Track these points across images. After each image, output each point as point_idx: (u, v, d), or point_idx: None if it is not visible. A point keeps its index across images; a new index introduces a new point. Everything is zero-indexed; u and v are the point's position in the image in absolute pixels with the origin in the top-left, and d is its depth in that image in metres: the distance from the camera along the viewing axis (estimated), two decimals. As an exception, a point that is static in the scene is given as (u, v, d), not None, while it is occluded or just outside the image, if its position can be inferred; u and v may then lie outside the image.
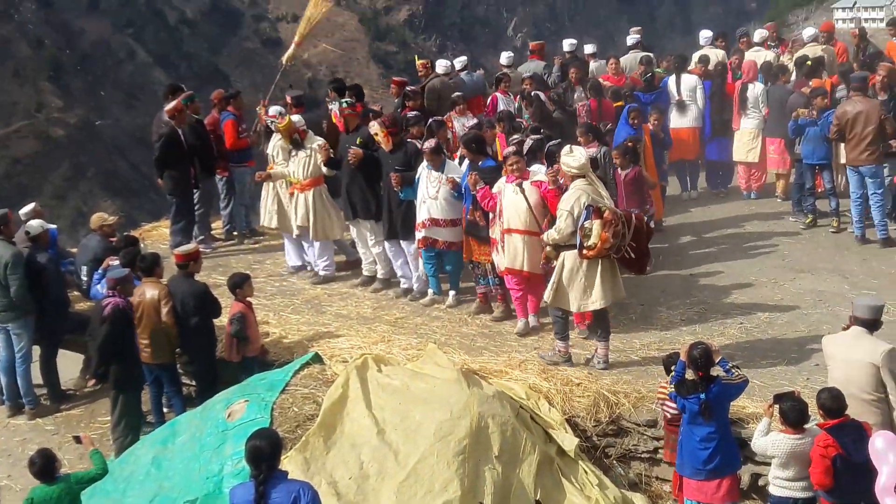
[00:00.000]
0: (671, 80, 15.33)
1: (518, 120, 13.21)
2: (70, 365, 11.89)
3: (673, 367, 7.81)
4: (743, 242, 13.41)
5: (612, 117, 14.21)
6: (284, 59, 15.37)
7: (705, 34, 16.85)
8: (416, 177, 11.40)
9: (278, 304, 11.87)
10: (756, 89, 14.76)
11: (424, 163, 11.29)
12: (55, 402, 11.46)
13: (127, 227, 15.69)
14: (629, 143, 12.45)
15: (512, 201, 10.29)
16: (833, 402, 7.13)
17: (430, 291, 11.83)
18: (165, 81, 30.58)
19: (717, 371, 7.64)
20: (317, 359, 9.66)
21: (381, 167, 11.79)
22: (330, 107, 13.25)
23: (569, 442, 8.57)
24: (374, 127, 11.68)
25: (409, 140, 11.89)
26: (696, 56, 16.15)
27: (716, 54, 16.02)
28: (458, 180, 11.08)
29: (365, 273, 12.47)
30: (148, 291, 9.94)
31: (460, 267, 11.63)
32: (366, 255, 12.41)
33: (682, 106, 15.20)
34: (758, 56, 15.71)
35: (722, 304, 11.33)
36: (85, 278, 11.48)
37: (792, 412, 7.30)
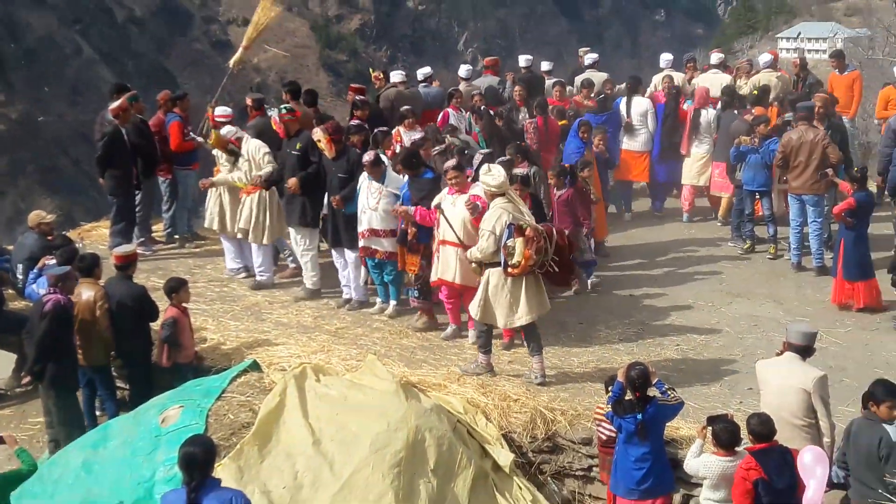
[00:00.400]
0: (622, 102, 15.51)
1: (466, 136, 13.27)
2: (2, 364, 11.64)
3: (610, 388, 7.88)
4: (682, 265, 13.58)
5: (557, 136, 14.38)
6: (232, 62, 15.30)
7: (666, 57, 17.08)
8: (357, 187, 11.39)
9: (217, 310, 11.76)
10: (709, 115, 15.01)
11: (365, 174, 11.29)
12: (-15, 402, 11.22)
13: (66, 226, 15.44)
14: (566, 165, 12.54)
15: (449, 214, 10.38)
16: (762, 426, 7.23)
17: (377, 300, 11.82)
18: (111, 79, 30.22)
19: (653, 392, 7.71)
20: (255, 366, 9.57)
21: (325, 176, 11.81)
22: (269, 112, 13.20)
23: (504, 457, 8.58)
24: (318, 133, 11.66)
25: (351, 147, 11.88)
26: (655, 79, 16.35)
27: (677, 77, 16.20)
28: (398, 194, 11.12)
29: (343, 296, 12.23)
30: (84, 292, 9.79)
31: (400, 277, 11.64)
32: (343, 276, 12.20)
33: (630, 129, 15.41)
34: (716, 79, 15.97)
35: (659, 326, 11.46)
36: (20, 276, 11.27)
37: (724, 434, 7.39)
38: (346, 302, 12.03)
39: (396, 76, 15.31)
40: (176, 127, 13.83)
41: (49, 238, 11.40)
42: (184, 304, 10.27)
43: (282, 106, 12.51)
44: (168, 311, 10.09)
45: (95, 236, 14.36)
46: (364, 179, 11.32)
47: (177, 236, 14.46)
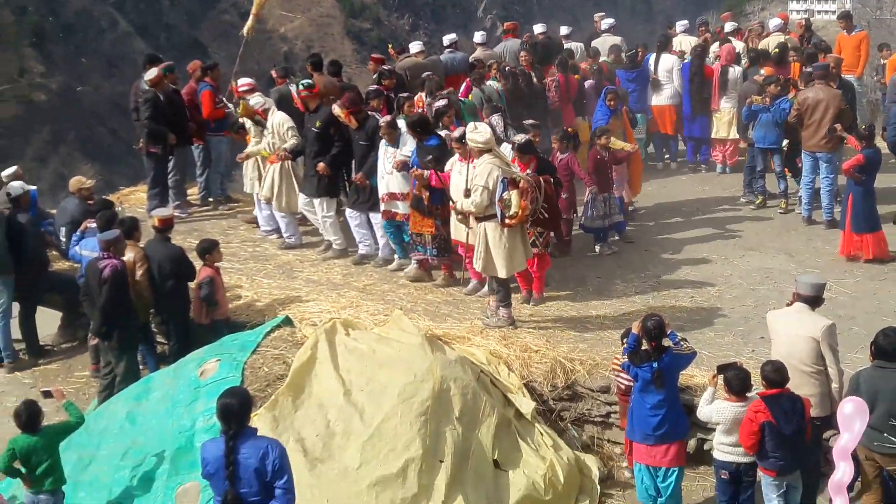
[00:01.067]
0: (651, 59, 15.57)
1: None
2: (48, 321, 11.78)
3: (625, 340, 7.88)
4: (697, 221, 13.50)
5: (576, 92, 14.48)
6: (245, 30, 15.16)
7: (682, 23, 17.31)
8: (378, 155, 11.39)
9: (251, 269, 11.81)
10: (735, 72, 14.93)
11: (383, 140, 11.26)
12: (33, 357, 11.37)
13: (105, 191, 15.51)
14: (570, 130, 12.46)
15: (455, 181, 10.28)
16: (776, 374, 7.21)
17: (395, 258, 11.83)
18: (145, 51, 30.15)
19: (667, 342, 7.70)
20: (287, 322, 9.64)
21: (349, 147, 11.84)
22: (290, 87, 13.17)
23: (526, 405, 8.63)
24: (337, 109, 11.66)
25: (371, 115, 11.82)
26: (675, 41, 16.35)
27: (689, 41, 16.26)
28: (407, 160, 11.06)
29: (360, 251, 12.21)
30: (126, 254, 9.84)
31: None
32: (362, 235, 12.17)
33: (657, 84, 15.48)
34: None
35: (674, 279, 11.43)
36: (63, 239, 11.34)
37: (735, 380, 7.39)
38: (363, 258, 12.03)
39: (415, 46, 15.27)
40: (207, 95, 13.82)
41: (89, 202, 11.44)
42: (217, 264, 10.33)
43: (300, 82, 12.45)
44: (204, 271, 10.15)
45: (133, 200, 14.43)
46: (382, 145, 11.30)
47: (211, 199, 14.51)
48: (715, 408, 7.51)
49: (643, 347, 7.67)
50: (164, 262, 9.98)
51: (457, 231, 10.65)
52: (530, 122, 11.33)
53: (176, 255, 10.12)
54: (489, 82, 13.77)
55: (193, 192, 14.65)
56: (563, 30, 17.39)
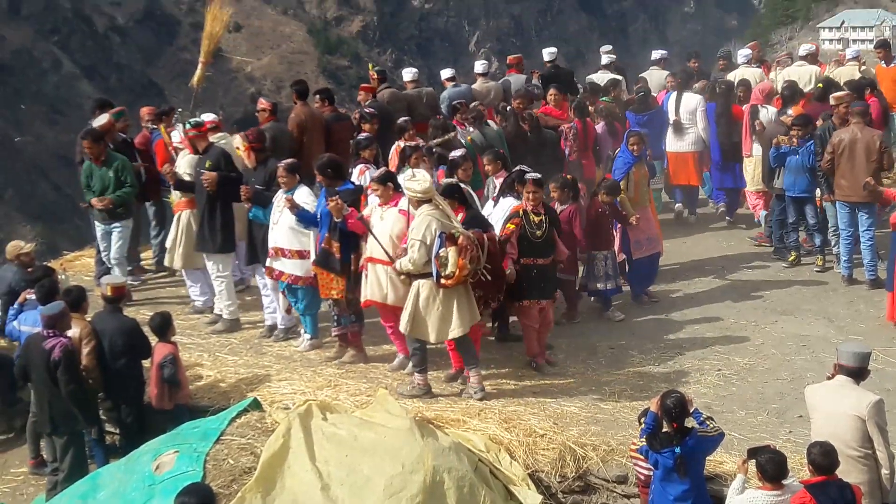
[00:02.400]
0: (671, 98, 15.49)
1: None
2: (-20, 410, 11.68)
3: (643, 420, 7.85)
4: (721, 281, 13.55)
5: (594, 140, 14.59)
6: (195, 80, 15.23)
7: (744, 52, 17.16)
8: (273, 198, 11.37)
9: (213, 344, 11.79)
10: (769, 113, 14.57)
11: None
12: (-37, 451, 11.26)
13: (48, 256, 15.53)
14: (568, 177, 12.48)
15: (377, 229, 10.39)
16: (824, 458, 7.16)
17: (302, 331, 11.72)
18: (93, 95, 30.41)
19: (691, 423, 7.69)
20: (256, 405, 9.59)
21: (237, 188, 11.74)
22: (176, 127, 13.31)
23: (532, 499, 8.56)
24: (237, 140, 11.84)
25: (271, 157, 11.83)
26: (734, 76, 16.21)
27: (753, 75, 16.12)
28: (297, 201, 10.89)
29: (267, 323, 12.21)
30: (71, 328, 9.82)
31: (315, 305, 11.50)
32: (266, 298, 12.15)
33: (678, 128, 15.38)
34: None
35: (698, 349, 11.42)
36: (-1, 313, 11.31)
37: (769, 465, 7.32)
38: (270, 330, 12.01)
39: (408, 74, 15.53)
40: (162, 145, 13.80)
41: (29, 270, 11.44)
42: (173, 339, 10.32)
43: (188, 120, 12.53)
44: (163, 348, 10.12)
45: (79, 266, 14.45)
46: (280, 193, 11.20)
47: (167, 264, 14.48)
48: (747, 498, 7.45)
49: (663, 429, 7.65)
50: (115, 337, 9.95)
51: (373, 290, 10.53)
52: (532, 176, 11.23)
53: (129, 328, 10.10)
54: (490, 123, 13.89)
55: (147, 256, 14.65)
56: (546, 54, 17.55)
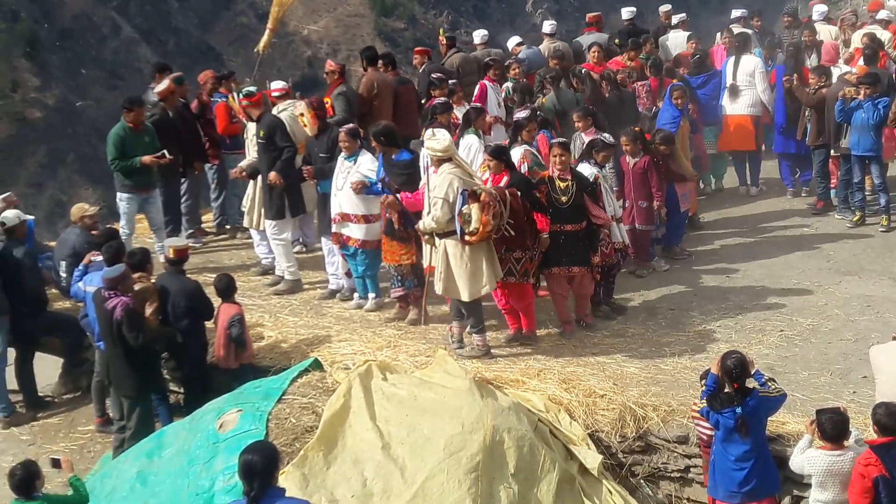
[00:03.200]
0: (730, 61, 15.15)
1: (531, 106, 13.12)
2: (48, 369, 11.92)
3: (704, 381, 7.82)
4: (784, 241, 13.39)
5: None
6: (261, 46, 15.32)
7: (819, 8, 16.78)
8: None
9: (274, 305, 11.89)
10: (840, 72, 14.19)
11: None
12: (31, 410, 11.50)
13: (111, 219, 15.73)
14: (637, 129, 12.45)
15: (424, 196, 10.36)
16: (890, 418, 7.07)
17: (355, 295, 11.80)
18: (152, 59, 30.57)
19: (752, 383, 7.64)
20: (316, 365, 9.69)
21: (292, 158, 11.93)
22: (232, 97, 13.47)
23: (592, 459, 8.58)
24: (301, 107, 11.85)
25: (335, 125, 11.91)
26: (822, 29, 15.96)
27: (830, 31, 15.80)
28: (366, 180, 10.99)
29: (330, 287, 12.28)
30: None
31: (375, 267, 11.56)
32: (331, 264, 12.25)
33: (734, 91, 14.99)
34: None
35: (760, 310, 11.32)
36: (64, 275, 11.49)
37: (829, 425, 7.26)
38: (333, 294, 12.08)
39: (477, 37, 15.67)
40: (222, 108, 13.93)
41: (93, 232, 11.60)
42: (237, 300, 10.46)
43: (241, 90, 12.63)
44: (229, 309, 10.25)
45: (141, 229, 14.60)
46: (341, 158, 11.28)
47: (228, 226, 14.64)
48: (807, 457, 7.42)
49: (725, 390, 7.61)
50: (178, 298, 10.08)
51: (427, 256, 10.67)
52: (559, 140, 11.14)
53: (192, 290, 10.22)
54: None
55: (208, 219, 14.80)
56: (625, 13, 17.40)
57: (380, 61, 14.07)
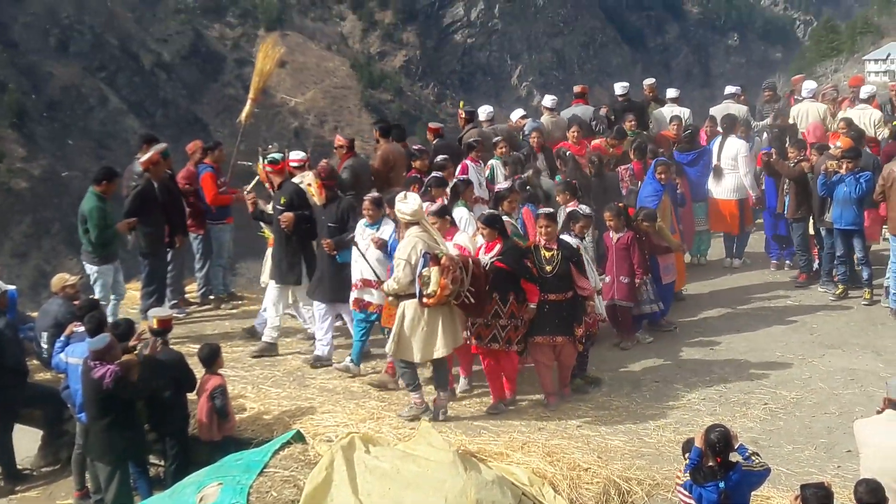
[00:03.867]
0: (716, 142, 15.33)
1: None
2: (27, 441, 11.76)
3: (687, 454, 7.79)
4: (768, 314, 13.46)
5: None
6: (243, 116, 15.45)
7: (809, 86, 16.91)
8: (353, 234, 11.59)
9: (257, 377, 11.85)
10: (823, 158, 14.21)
11: (363, 219, 11.49)
12: (10, 483, 11.34)
13: (91, 290, 15.71)
14: (621, 205, 12.54)
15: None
16: (871, 495, 7.04)
17: (347, 359, 11.84)
18: (139, 130, 30.87)
19: (735, 457, 7.62)
20: (299, 437, 9.61)
21: (314, 226, 12.12)
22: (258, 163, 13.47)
23: (575, 533, 8.51)
24: (308, 178, 12.06)
25: (342, 195, 12.11)
26: (797, 110, 16.20)
27: (818, 109, 15.98)
28: (385, 239, 11.32)
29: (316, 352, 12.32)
30: (115, 361, 9.91)
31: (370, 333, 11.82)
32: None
33: (718, 173, 15.15)
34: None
35: (744, 383, 11.34)
36: (45, 346, 11.44)
37: (814, 500, 7.21)
38: (318, 360, 12.13)
39: (483, 113, 15.86)
40: (209, 178, 14.02)
41: (75, 303, 11.57)
42: (220, 371, 10.41)
43: (269, 156, 12.77)
44: (212, 380, 10.21)
45: (125, 299, 14.59)
46: (361, 225, 11.51)
47: (212, 297, 14.63)
48: (794, 533, 7.37)
49: (708, 463, 7.58)
50: (161, 369, 10.02)
51: None
52: (545, 210, 11.28)
53: (174, 361, 10.18)
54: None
55: (192, 289, 14.79)
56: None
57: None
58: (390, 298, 10.46)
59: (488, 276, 10.38)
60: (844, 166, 13.11)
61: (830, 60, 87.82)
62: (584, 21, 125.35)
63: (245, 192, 13.04)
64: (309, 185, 12.03)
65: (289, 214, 11.98)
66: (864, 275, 13.52)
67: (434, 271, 9.83)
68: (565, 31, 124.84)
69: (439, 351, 10.23)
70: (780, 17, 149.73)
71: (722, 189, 15.20)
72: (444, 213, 11.02)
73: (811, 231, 14.15)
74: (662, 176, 13.15)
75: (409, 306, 10.17)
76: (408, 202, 10.33)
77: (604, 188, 13.88)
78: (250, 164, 14.15)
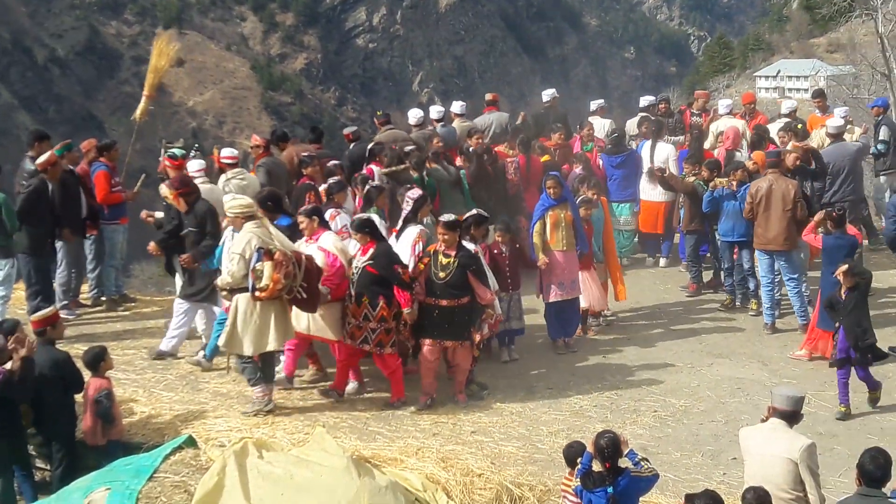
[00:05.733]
0: (646, 145, 15.70)
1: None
2: None
3: (579, 459, 7.87)
4: (661, 323, 13.70)
5: (540, 175, 14.30)
6: (137, 114, 15.24)
7: (725, 103, 17.53)
8: (221, 241, 11.46)
9: (149, 380, 11.63)
10: (743, 157, 14.82)
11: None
12: None
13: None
14: (506, 220, 12.56)
15: None
16: (758, 502, 7.21)
17: (200, 353, 11.98)
18: (31, 126, 30.08)
19: (625, 463, 7.73)
20: (190, 442, 9.48)
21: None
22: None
23: (467, 539, 8.54)
24: (163, 190, 12.01)
25: (202, 200, 12.02)
26: (716, 126, 16.42)
27: (735, 125, 16.19)
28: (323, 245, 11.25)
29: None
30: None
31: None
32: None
33: (651, 176, 15.44)
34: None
35: (635, 391, 11.51)
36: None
37: (706, 510, 7.39)
38: (160, 354, 12.20)
39: (413, 118, 16.14)
40: (103, 177, 13.72)
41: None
42: (108, 373, 10.20)
43: (169, 150, 13.07)
44: (97, 382, 9.97)
45: (13, 300, 14.19)
46: (228, 231, 11.35)
47: (104, 298, 14.33)
48: (681, 540, 7.50)
49: (596, 469, 7.68)
50: (46, 369, 9.76)
51: (297, 322, 10.86)
52: (444, 218, 11.22)
53: (60, 360, 9.89)
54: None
55: (84, 290, 14.47)
56: (546, 95, 18.02)
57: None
58: (223, 293, 10.60)
59: (321, 271, 10.58)
60: (735, 179, 13.40)
61: (723, 76, 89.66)
62: (485, 30, 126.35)
63: (134, 193, 12.86)
64: (165, 196, 11.92)
65: (152, 244, 12.23)
66: (751, 285, 13.81)
67: (267, 266, 10.00)
68: (466, 39, 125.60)
69: (271, 344, 10.36)
70: (676, 32, 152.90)
71: (655, 192, 15.58)
72: (312, 214, 11.13)
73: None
74: (552, 191, 12.55)
75: (241, 300, 10.28)
76: (239, 199, 10.59)
77: (496, 177, 14.60)
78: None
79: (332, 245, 10.94)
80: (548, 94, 17.83)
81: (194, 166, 12.97)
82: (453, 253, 10.79)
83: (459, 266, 10.75)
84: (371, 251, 10.72)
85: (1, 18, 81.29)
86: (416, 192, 12.09)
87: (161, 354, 12.16)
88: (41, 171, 12.86)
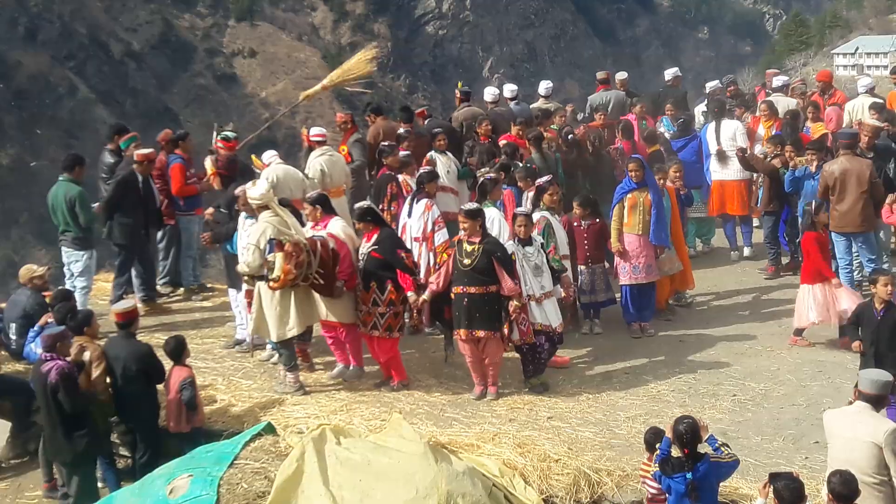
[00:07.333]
0: (710, 127, 15.39)
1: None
2: (-5, 433, 11.70)
3: (658, 445, 7.82)
4: (739, 306, 13.53)
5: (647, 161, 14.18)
6: (302, 95, 16.44)
7: (780, 79, 17.18)
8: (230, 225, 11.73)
9: (228, 368, 11.79)
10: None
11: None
12: (-23, 475, 11.25)
13: (62, 280, 15.58)
14: (590, 195, 12.70)
15: None
16: (844, 486, 7.06)
17: (267, 345, 11.89)
18: (108, 119, 30.58)
19: (704, 448, 7.65)
20: (269, 429, 9.57)
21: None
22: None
23: (546, 524, 8.53)
24: (207, 162, 12.57)
25: (233, 181, 12.29)
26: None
27: (787, 103, 15.94)
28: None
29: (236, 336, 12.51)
30: (82, 352, 9.82)
31: None
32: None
33: (722, 156, 15.18)
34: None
35: (713, 374, 11.40)
36: (14, 337, 11.33)
37: (786, 492, 7.25)
38: (237, 343, 12.31)
39: (489, 94, 16.28)
40: (178, 169, 13.87)
41: (45, 294, 11.44)
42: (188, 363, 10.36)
43: (222, 133, 13.39)
44: (180, 372, 10.14)
45: (96, 290, 14.45)
46: (242, 217, 11.50)
47: (182, 288, 14.53)
48: (763, 522, 7.41)
49: (675, 454, 7.62)
50: (128, 362, 9.95)
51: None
52: (465, 207, 11.24)
53: (142, 353, 10.09)
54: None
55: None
56: (667, 74, 18.05)
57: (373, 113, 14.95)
58: (245, 279, 10.84)
59: (336, 257, 10.70)
60: (815, 163, 13.14)
61: (799, 54, 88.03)
62: (555, 14, 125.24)
63: (208, 183, 13.25)
64: (208, 168, 12.49)
65: (207, 235, 12.39)
66: (835, 267, 13.51)
67: (278, 257, 10.19)
68: (536, 24, 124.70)
69: (293, 329, 10.63)
70: (750, 11, 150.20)
71: (730, 170, 15.15)
72: (316, 202, 11.21)
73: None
74: (634, 174, 12.54)
75: (263, 287, 10.54)
76: (256, 188, 10.70)
77: (600, 165, 14.56)
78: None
79: (340, 231, 11.05)
80: (670, 74, 17.76)
81: (317, 130, 13.54)
82: (478, 240, 10.69)
83: (484, 252, 10.60)
84: (375, 237, 10.87)
85: (77, 14, 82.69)
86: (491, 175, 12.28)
87: (238, 343, 12.27)
88: (136, 162, 13.05)
